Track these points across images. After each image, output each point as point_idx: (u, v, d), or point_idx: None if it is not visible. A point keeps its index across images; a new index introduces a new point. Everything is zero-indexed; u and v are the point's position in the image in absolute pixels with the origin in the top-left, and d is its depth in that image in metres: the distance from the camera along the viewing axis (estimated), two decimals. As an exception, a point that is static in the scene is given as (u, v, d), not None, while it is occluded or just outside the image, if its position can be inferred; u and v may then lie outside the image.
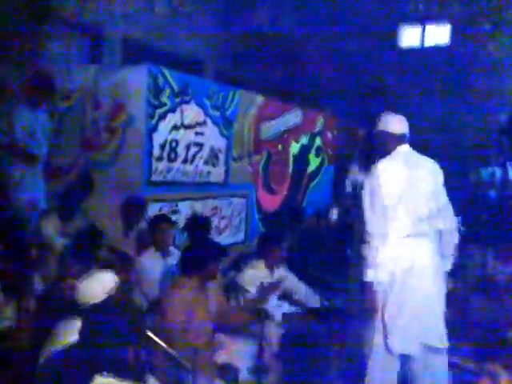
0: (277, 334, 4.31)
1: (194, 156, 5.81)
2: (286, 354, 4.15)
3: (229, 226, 6.48)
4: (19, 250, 3.66)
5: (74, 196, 4.88)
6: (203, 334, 3.57)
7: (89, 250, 3.85)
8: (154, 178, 5.34)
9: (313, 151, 7.96)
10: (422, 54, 10.13)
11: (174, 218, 5.31)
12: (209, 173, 6.04)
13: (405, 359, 3.62)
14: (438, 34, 10.10)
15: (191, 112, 5.69)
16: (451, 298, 3.76)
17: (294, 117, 7.45)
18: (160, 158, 5.37)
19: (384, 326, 3.54)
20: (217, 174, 6.18)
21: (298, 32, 10.28)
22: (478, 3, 9.37)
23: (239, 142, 6.50)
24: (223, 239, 6.05)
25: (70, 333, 2.62)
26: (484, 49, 9.35)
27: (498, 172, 8.67)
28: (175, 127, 5.52)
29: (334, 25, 10.18)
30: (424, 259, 3.57)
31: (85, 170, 5.37)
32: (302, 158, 7.74)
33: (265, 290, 4.33)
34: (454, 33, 9.84)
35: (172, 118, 5.46)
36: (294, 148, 7.55)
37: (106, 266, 3.31)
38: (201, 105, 5.81)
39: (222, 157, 6.22)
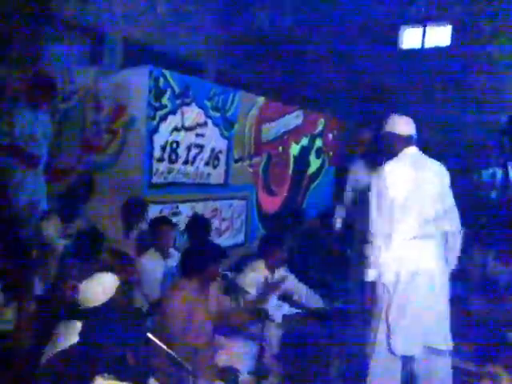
0: (277, 336, 4.31)
1: (194, 157, 5.82)
2: (287, 355, 4.16)
3: (229, 227, 6.48)
4: (19, 250, 3.65)
5: (75, 197, 4.88)
6: (203, 336, 3.57)
7: (89, 252, 3.85)
8: (154, 179, 5.35)
9: (313, 152, 7.96)
10: (423, 54, 10.13)
11: (174, 219, 5.32)
12: (209, 174, 6.05)
13: (407, 360, 3.62)
14: (439, 35, 10.09)
15: (192, 113, 5.69)
16: (452, 300, 3.75)
17: (294, 118, 7.45)
18: (161, 160, 5.38)
19: (387, 327, 3.54)
20: (217, 175, 6.18)
21: (298, 33, 10.28)
22: (478, 4, 9.37)
23: (240, 144, 6.50)
24: (223, 241, 6.05)
25: (71, 334, 2.62)
26: (484, 50, 9.35)
27: (499, 173, 8.67)
28: (176, 129, 5.53)
29: (335, 26, 10.18)
30: (430, 261, 3.58)
31: (86, 171, 5.37)
32: (302, 160, 7.74)
33: (265, 289, 4.33)
34: (455, 34, 9.84)
35: (173, 120, 5.46)
36: (295, 149, 7.55)
37: (106, 267, 3.31)
38: (201, 106, 5.81)
39: (222, 158, 6.22)
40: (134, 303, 4.08)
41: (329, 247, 5.97)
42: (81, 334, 2.48)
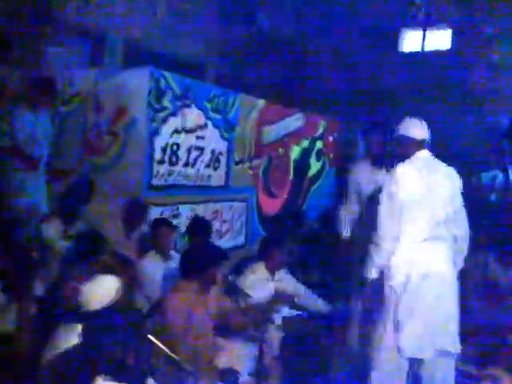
0: (277, 337, 4.31)
1: (195, 159, 5.82)
2: (287, 357, 4.15)
3: (229, 229, 6.48)
4: (20, 252, 3.65)
5: (76, 199, 4.87)
6: (203, 337, 3.57)
7: (90, 254, 3.85)
8: (155, 181, 5.35)
9: (314, 155, 7.96)
10: (423, 58, 10.14)
11: (175, 221, 5.31)
12: (210, 176, 6.05)
13: (412, 361, 3.62)
14: (439, 39, 10.11)
15: (192, 115, 5.69)
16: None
17: (295, 121, 7.45)
18: (161, 162, 5.38)
19: (396, 328, 3.53)
20: (218, 177, 6.18)
21: (299, 36, 10.29)
22: (478, 8, 9.38)
23: (240, 146, 6.50)
24: (224, 243, 6.04)
25: (71, 336, 2.62)
26: (485, 53, 9.36)
27: (500, 176, 8.67)
28: (176, 131, 5.53)
29: (336, 29, 10.19)
30: (441, 264, 3.59)
31: (86, 173, 5.37)
32: (302, 162, 7.73)
33: (277, 301, 4.34)
34: (455, 37, 9.85)
35: (173, 122, 5.46)
36: (295, 152, 7.55)
37: (107, 269, 3.31)
38: (202, 108, 5.81)
39: (223, 160, 6.22)
40: (135, 305, 4.08)
41: (330, 248, 5.94)
42: (81, 336, 2.48)
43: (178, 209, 5.64)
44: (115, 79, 5.44)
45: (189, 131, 5.68)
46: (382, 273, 3.66)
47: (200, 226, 5.18)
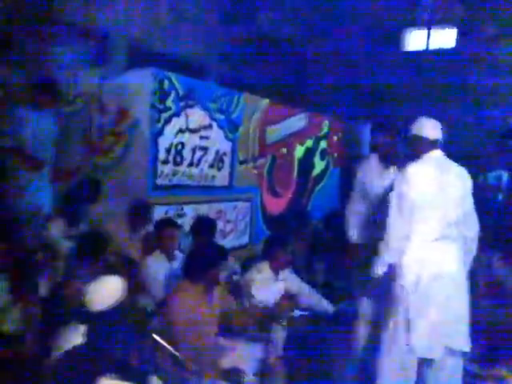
0: (282, 337, 4.31)
1: (199, 160, 5.82)
2: (291, 356, 4.15)
3: (233, 229, 6.49)
4: (25, 252, 3.67)
5: (80, 200, 4.89)
6: (207, 337, 3.58)
7: (94, 254, 3.86)
8: (159, 181, 5.36)
9: (318, 154, 7.96)
10: (428, 57, 10.12)
11: (179, 221, 5.32)
12: (214, 176, 6.05)
13: (421, 360, 3.61)
14: (444, 38, 10.09)
15: (196, 116, 5.70)
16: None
17: (298, 120, 7.45)
18: (165, 162, 5.39)
19: (406, 328, 3.53)
20: (222, 177, 6.19)
21: (303, 35, 10.28)
22: (483, 7, 9.36)
23: (244, 146, 6.51)
24: (228, 242, 6.06)
25: (75, 336, 2.63)
26: (489, 52, 9.33)
27: (505, 175, 8.66)
28: (180, 131, 5.53)
29: (340, 28, 10.19)
30: (452, 263, 3.59)
31: (90, 173, 5.38)
32: (306, 162, 7.74)
33: (283, 308, 4.35)
34: (460, 36, 9.83)
35: (177, 122, 5.47)
36: (299, 151, 7.56)
37: (111, 269, 3.32)
38: (206, 108, 5.82)
39: (227, 160, 6.23)
40: (139, 305, 4.09)
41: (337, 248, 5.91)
42: (85, 336, 2.49)
43: (182, 209, 5.65)
44: (119, 80, 5.46)
45: (193, 131, 5.69)
46: (390, 272, 3.65)
47: (204, 226, 5.19)
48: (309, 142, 7.72)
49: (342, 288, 5.30)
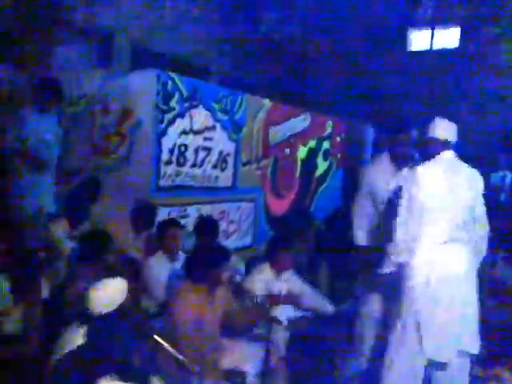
0: (284, 338, 4.31)
1: (202, 160, 5.83)
2: (293, 357, 4.16)
3: (237, 229, 6.50)
4: (27, 253, 3.68)
5: (83, 200, 4.90)
6: (210, 338, 3.58)
7: (97, 254, 3.86)
8: (162, 182, 5.37)
9: (321, 155, 7.96)
10: (431, 57, 10.11)
11: (182, 222, 5.33)
12: (217, 177, 6.06)
13: (429, 361, 3.60)
14: (447, 38, 10.08)
15: (200, 117, 5.71)
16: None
17: (301, 121, 7.45)
18: (169, 163, 5.40)
19: (416, 330, 3.52)
20: (225, 178, 6.20)
21: (306, 35, 10.29)
22: (486, 7, 9.34)
23: (247, 147, 6.51)
24: (231, 243, 6.06)
25: (77, 338, 2.63)
26: (493, 52, 9.32)
27: (509, 176, 8.65)
28: (184, 132, 5.55)
29: (343, 28, 10.19)
30: (462, 266, 3.58)
31: (93, 174, 5.40)
32: (309, 162, 7.74)
33: (272, 302, 4.34)
34: (463, 36, 9.82)
35: (181, 123, 5.48)
36: (302, 152, 7.56)
37: (114, 271, 3.32)
38: (209, 109, 5.83)
39: (230, 161, 6.24)
40: (141, 306, 4.10)
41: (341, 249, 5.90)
42: (87, 337, 2.49)
43: (185, 209, 5.66)
44: (123, 81, 5.48)
45: (196, 132, 5.70)
46: (398, 273, 3.65)
47: (207, 226, 5.20)
48: (312, 143, 7.72)
49: (345, 289, 5.29)
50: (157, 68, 5.32)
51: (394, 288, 3.68)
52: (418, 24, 10.22)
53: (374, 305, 4.25)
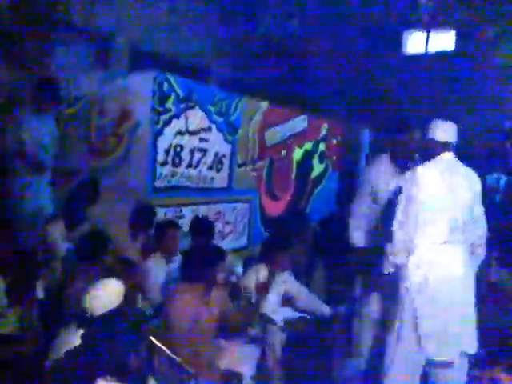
0: (280, 340, 4.31)
1: (198, 161, 5.84)
2: (289, 359, 4.16)
3: (232, 230, 6.50)
4: (24, 254, 3.67)
5: (80, 202, 4.89)
6: (206, 339, 3.59)
7: (94, 256, 3.86)
8: (158, 183, 5.37)
9: (316, 157, 7.97)
10: (427, 59, 10.14)
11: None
12: (213, 178, 6.07)
13: (427, 361, 3.61)
14: (443, 40, 10.11)
15: (196, 118, 5.71)
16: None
17: (298, 123, 7.46)
18: (164, 163, 5.40)
19: (414, 330, 3.53)
20: (221, 179, 6.20)
21: (302, 38, 10.30)
22: (482, 10, 9.38)
23: (243, 148, 6.52)
24: (226, 244, 6.06)
25: (74, 339, 2.64)
26: (488, 55, 9.35)
27: (503, 179, 8.67)
28: (180, 133, 5.55)
29: (340, 30, 10.21)
30: (460, 266, 3.59)
31: (91, 175, 5.39)
32: (305, 164, 7.74)
33: (257, 291, 4.33)
34: (459, 39, 9.85)
35: (177, 124, 5.48)
36: (298, 154, 7.57)
37: (111, 272, 3.32)
38: (205, 111, 5.83)
39: (226, 162, 6.24)
40: (138, 307, 4.09)
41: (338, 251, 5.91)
42: (84, 339, 2.50)
43: (181, 210, 5.66)
44: (120, 82, 5.48)
45: (192, 133, 5.70)
46: (396, 273, 3.66)
47: (202, 227, 5.20)
48: (308, 145, 7.73)
49: (342, 291, 5.30)
50: (154, 69, 5.32)
51: (392, 288, 3.70)
52: (416, 26, 10.25)
53: (372, 305, 4.27)
